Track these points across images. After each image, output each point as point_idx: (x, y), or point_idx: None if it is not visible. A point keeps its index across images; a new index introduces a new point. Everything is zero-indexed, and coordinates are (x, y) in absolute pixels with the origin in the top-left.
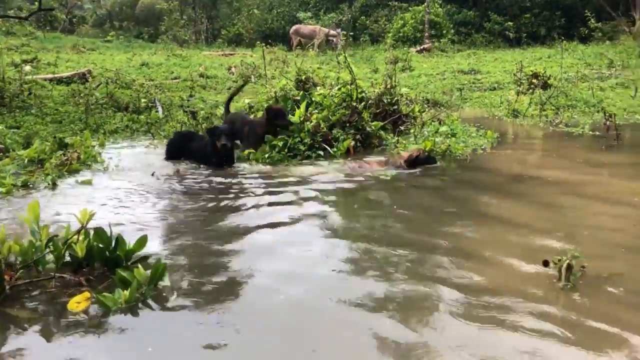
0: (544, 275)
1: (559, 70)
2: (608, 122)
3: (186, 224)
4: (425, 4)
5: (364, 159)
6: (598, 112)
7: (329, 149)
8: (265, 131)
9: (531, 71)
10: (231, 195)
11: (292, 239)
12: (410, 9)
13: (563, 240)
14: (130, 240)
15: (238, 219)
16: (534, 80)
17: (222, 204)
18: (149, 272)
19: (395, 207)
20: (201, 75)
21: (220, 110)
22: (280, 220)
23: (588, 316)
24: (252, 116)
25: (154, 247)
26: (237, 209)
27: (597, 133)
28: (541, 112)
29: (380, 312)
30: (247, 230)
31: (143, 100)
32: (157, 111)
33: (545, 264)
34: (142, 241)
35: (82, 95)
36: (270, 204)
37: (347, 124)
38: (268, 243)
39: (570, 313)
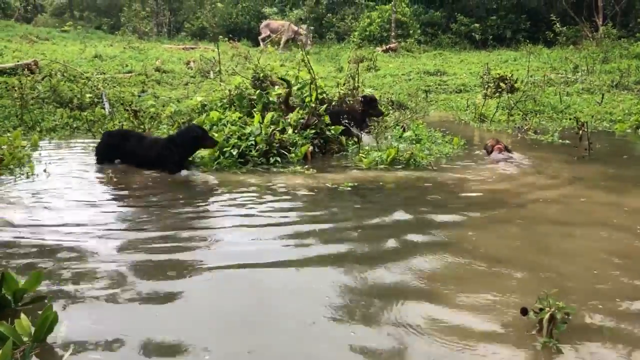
0: (520, 324)
1: (526, 74)
2: (581, 132)
3: (99, 250)
4: (392, 3)
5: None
6: (566, 119)
7: (286, 154)
8: (362, 118)
9: (498, 74)
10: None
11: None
12: (377, 7)
13: (542, 278)
14: (22, 277)
15: (171, 241)
16: (502, 84)
17: (147, 217)
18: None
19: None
20: (157, 70)
21: (171, 109)
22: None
23: None
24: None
25: (53, 283)
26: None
27: (567, 142)
28: (509, 118)
29: None
30: (182, 265)
31: (88, 95)
32: (102, 107)
33: (524, 312)
34: (36, 278)
35: (20, 88)
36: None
37: (306, 127)
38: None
39: None
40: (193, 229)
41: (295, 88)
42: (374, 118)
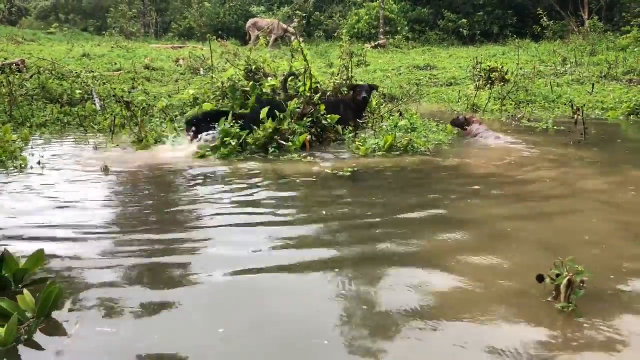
0: (536, 293)
1: (515, 67)
2: (577, 116)
3: (103, 233)
4: (380, 0)
5: None
6: (558, 108)
7: (284, 143)
8: (355, 107)
9: (488, 66)
10: (168, 193)
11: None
12: (364, 5)
13: (551, 250)
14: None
15: (173, 223)
16: (494, 74)
17: (150, 202)
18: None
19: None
20: (146, 67)
21: (163, 103)
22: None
23: (602, 348)
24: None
25: (56, 264)
26: (172, 208)
27: (562, 128)
28: (502, 107)
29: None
30: (179, 240)
31: (78, 91)
32: (93, 103)
33: (540, 279)
34: (38, 257)
35: (8, 85)
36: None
37: (302, 117)
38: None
39: (578, 343)
40: (190, 229)
41: (289, 78)
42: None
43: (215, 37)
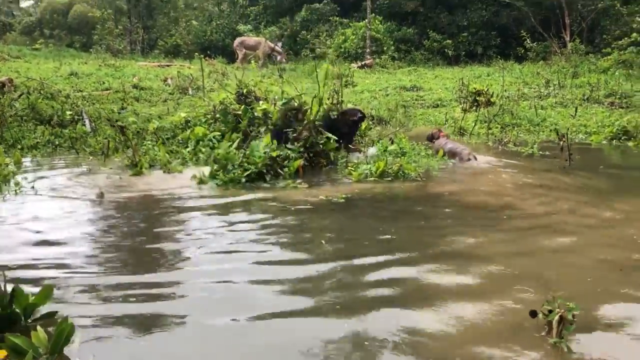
0: (530, 327)
1: (500, 89)
2: (562, 142)
3: (113, 262)
4: (366, 20)
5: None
6: (543, 131)
7: (280, 172)
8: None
9: (474, 89)
10: (163, 223)
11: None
12: (351, 24)
13: (544, 284)
14: (33, 291)
15: (173, 253)
16: (479, 98)
17: (152, 233)
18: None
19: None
20: (135, 87)
21: (154, 125)
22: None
23: None
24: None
25: (67, 295)
26: (171, 238)
27: (547, 153)
28: (488, 131)
29: None
30: (184, 273)
31: (68, 112)
32: (83, 124)
33: (533, 314)
34: (47, 292)
35: None
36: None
37: (296, 141)
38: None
39: None
40: (181, 268)
41: (280, 103)
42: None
43: (202, 56)
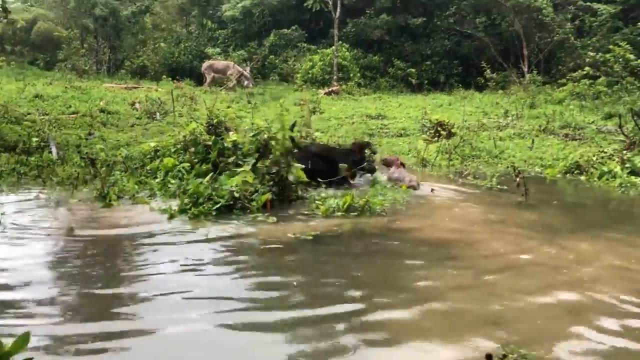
0: None
1: (460, 119)
2: (517, 179)
3: (75, 309)
4: (334, 47)
5: None
6: (501, 163)
7: (248, 206)
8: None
9: (436, 120)
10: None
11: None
12: (318, 51)
13: (501, 325)
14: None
15: (135, 298)
16: (440, 129)
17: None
18: None
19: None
20: (102, 111)
21: (122, 154)
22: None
23: None
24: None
25: (44, 341)
26: (135, 281)
27: (505, 187)
28: (449, 163)
29: None
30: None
31: (35, 139)
32: (50, 152)
33: (488, 358)
34: (23, 340)
35: None
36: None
37: (267, 175)
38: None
39: None
40: (139, 317)
41: (249, 135)
42: None
43: (170, 78)
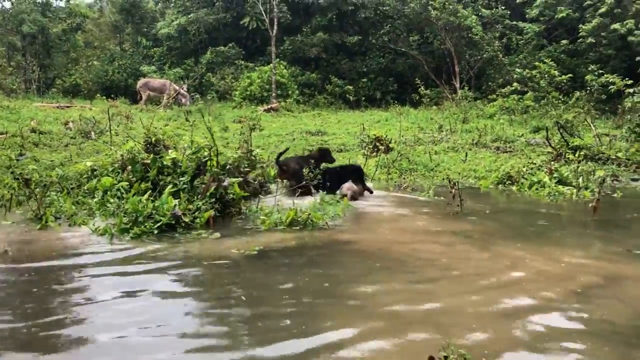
0: None
1: (397, 134)
2: (453, 190)
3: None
4: (272, 64)
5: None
6: (437, 176)
7: (191, 223)
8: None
9: (374, 135)
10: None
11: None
12: (256, 68)
13: (443, 330)
14: None
15: (73, 330)
16: (378, 144)
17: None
18: None
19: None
20: (33, 131)
21: (56, 174)
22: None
23: None
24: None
25: None
26: (71, 310)
27: (442, 198)
28: (388, 176)
29: None
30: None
31: None
32: None
33: None
34: None
35: None
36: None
37: (205, 192)
38: None
39: None
40: (78, 344)
41: (188, 152)
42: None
43: (104, 97)
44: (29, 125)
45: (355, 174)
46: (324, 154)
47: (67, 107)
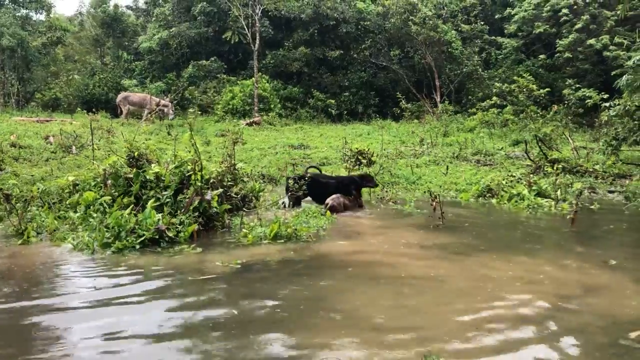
0: None
1: (379, 147)
2: (434, 203)
3: None
4: (254, 78)
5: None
6: (418, 189)
7: (174, 238)
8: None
9: (356, 148)
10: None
11: None
12: (238, 82)
13: (425, 339)
14: None
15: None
16: (360, 158)
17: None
18: None
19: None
20: (13, 145)
21: (37, 189)
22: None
23: None
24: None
25: None
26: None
27: (424, 211)
28: (371, 189)
29: None
30: None
31: None
32: None
33: None
34: None
35: None
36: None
37: (189, 206)
38: None
39: None
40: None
41: (171, 166)
42: None
43: (85, 110)
44: (9, 139)
45: (349, 186)
46: (367, 179)
47: (47, 121)
